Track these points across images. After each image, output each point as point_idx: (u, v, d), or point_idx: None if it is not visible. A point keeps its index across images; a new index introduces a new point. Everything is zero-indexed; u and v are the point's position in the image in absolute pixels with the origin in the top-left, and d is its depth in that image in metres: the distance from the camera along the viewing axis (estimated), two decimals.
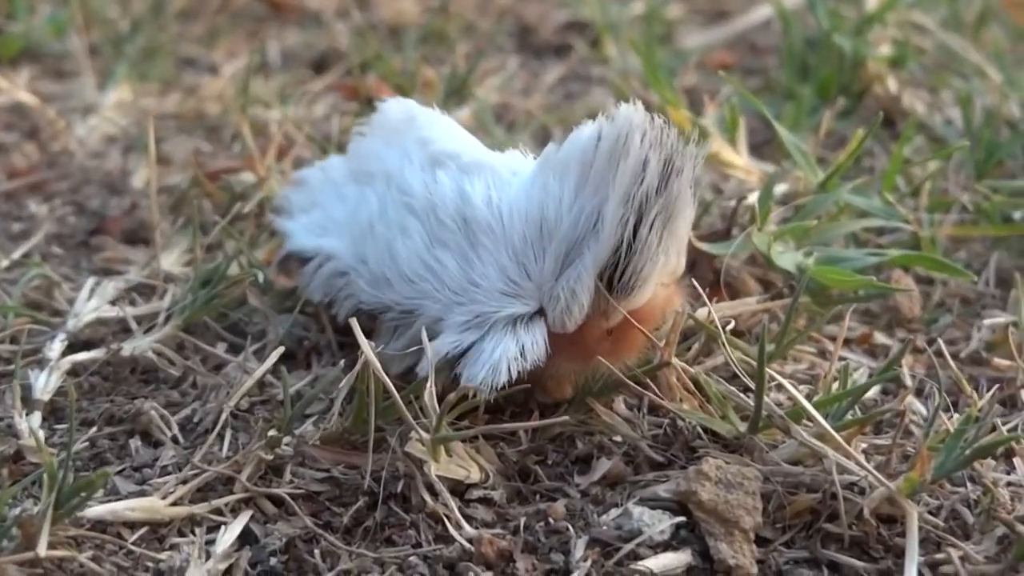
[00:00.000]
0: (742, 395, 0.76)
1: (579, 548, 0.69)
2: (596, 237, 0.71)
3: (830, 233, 0.91)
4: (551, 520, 0.71)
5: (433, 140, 0.81)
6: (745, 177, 1.01)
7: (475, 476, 0.74)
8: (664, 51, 1.31)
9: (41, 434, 0.75)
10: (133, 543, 0.70)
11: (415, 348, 0.75)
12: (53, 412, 0.82)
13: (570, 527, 0.71)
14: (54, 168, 1.14)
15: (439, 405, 0.72)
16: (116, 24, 1.37)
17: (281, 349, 0.81)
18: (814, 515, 0.71)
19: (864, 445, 0.76)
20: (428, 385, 0.72)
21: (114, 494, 0.74)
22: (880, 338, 0.89)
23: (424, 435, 0.72)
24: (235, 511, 0.73)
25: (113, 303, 0.91)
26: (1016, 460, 0.75)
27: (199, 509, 0.72)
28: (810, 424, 0.73)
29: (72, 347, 0.86)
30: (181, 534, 0.71)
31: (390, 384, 0.73)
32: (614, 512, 0.72)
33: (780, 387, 0.75)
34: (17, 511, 0.69)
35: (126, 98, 1.25)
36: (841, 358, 0.82)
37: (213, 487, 0.74)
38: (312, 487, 0.74)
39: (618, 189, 0.70)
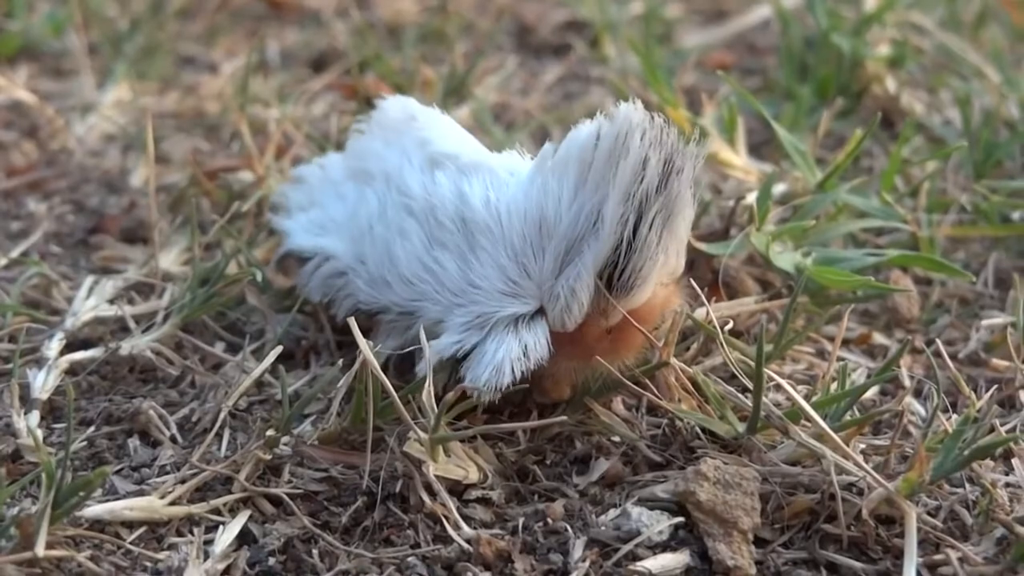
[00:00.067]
0: (740, 395, 0.76)
1: (577, 548, 0.69)
2: (596, 236, 0.71)
3: (828, 233, 0.91)
4: (549, 520, 0.71)
5: (432, 141, 0.81)
6: (743, 177, 1.01)
7: (473, 476, 0.74)
8: (663, 51, 1.31)
9: (39, 433, 0.75)
10: (131, 543, 0.70)
11: (415, 347, 0.75)
12: (51, 411, 0.81)
13: (568, 527, 0.71)
14: (53, 167, 1.14)
15: (437, 405, 0.72)
16: (115, 23, 1.37)
17: (279, 348, 0.81)
18: (812, 516, 0.72)
19: (863, 446, 0.76)
20: (426, 385, 0.72)
21: (112, 494, 0.74)
22: (879, 338, 0.89)
23: (422, 435, 0.72)
24: (233, 511, 0.73)
25: (111, 302, 0.91)
26: (1015, 461, 0.75)
27: (197, 509, 0.72)
28: (808, 424, 0.73)
29: (70, 346, 0.86)
30: (179, 534, 0.71)
31: (388, 384, 0.73)
32: (612, 512, 0.72)
33: (778, 387, 0.75)
34: (15, 510, 0.69)
35: (125, 97, 1.25)
36: (839, 358, 0.82)
37: (211, 487, 0.74)
38: (310, 487, 0.74)
39: (618, 187, 0.70)
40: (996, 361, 0.86)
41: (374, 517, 0.72)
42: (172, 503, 0.72)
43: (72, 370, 0.84)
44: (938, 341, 0.83)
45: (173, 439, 0.79)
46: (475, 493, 0.73)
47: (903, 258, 0.90)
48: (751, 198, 0.92)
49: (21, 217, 1.06)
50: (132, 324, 0.88)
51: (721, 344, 0.76)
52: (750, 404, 0.74)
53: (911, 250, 0.93)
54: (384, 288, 0.78)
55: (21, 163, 1.14)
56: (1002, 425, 0.77)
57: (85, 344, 0.87)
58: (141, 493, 0.73)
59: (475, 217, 0.75)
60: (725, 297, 0.87)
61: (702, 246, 0.88)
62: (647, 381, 0.76)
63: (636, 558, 0.69)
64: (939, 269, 0.90)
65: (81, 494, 0.68)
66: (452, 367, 0.74)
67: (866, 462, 0.72)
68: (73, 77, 1.30)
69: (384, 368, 0.74)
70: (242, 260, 0.92)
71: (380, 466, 0.74)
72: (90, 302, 0.90)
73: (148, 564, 0.69)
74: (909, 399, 0.80)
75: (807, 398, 0.74)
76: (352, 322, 0.74)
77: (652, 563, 0.68)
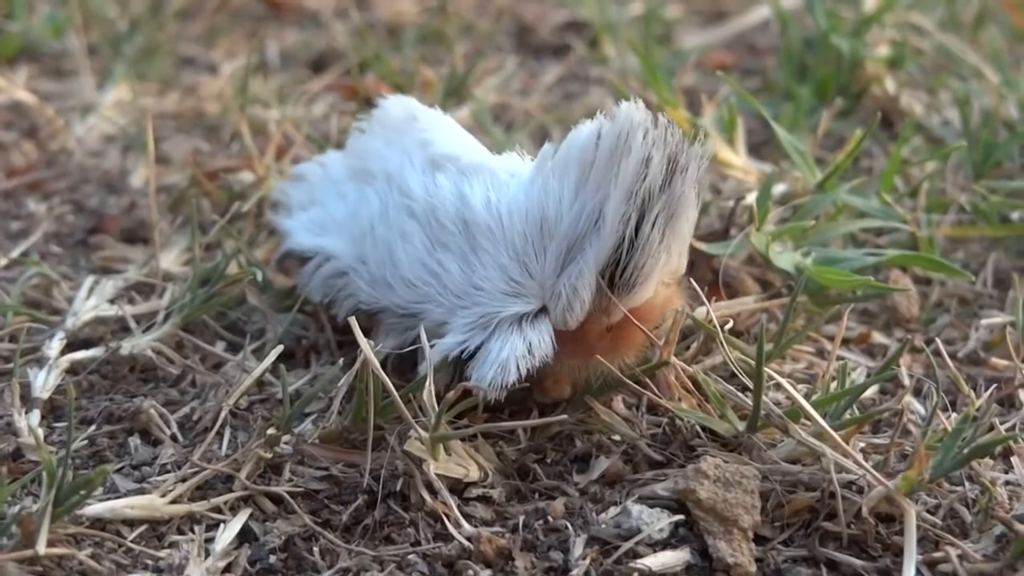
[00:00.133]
0: (740, 394, 0.76)
1: (578, 546, 0.69)
2: (598, 234, 0.71)
3: (828, 233, 0.91)
4: (550, 518, 0.72)
5: (433, 142, 0.81)
6: (743, 177, 1.01)
7: (474, 474, 0.74)
8: (662, 51, 1.31)
9: (40, 432, 0.75)
10: (132, 541, 0.70)
11: (416, 347, 0.75)
12: (52, 410, 0.82)
13: (569, 525, 0.71)
14: (53, 167, 1.14)
15: (438, 404, 0.72)
16: (115, 23, 1.37)
17: (280, 348, 0.81)
18: (812, 514, 0.72)
19: (862, 444, 0.76)
20: (427, 384, 0.73)
21: (113, 492, 0.74)
22: (878, 338, 0.90)
23: (423, 433, 0.72)
24: (234, 509, 0.73)
25: (112, 302, 0.91)
26: (1014, 459, 0.75)
27: (198, 507, 0.72)
28: (808, 423, 0.73)
29: (71, 345, 0.86)
30: (180, 532, 0.71)
31: (389, 383, 0.73)
32: (613, 510, 0.72)
33: (778, 386, 0.76)
34: (16, 509, 0.70)
35: (125, 97, 1.25)
36: (839, 357, 0.82)
37: (212, 485, 0.74)
38: (311, 485, 0.74)
39: (620, 186, 0.70)
40: (995, 360, 0.86)
41: (375, 515, 0.72)
42: (173, 501, 0.72)
43: (73, 369, 0.84)
44: (938, 340, 0.83)
45: (174, 438, 0.79)
46: (476, 491, 0.74)
47: (902, 258, 0.90)
48: (751, 198, 0.92)
49: (21, 217, 1.06)
50: (133, 324, 0.88)
51: (721, 343, 0.77)
52: (750, 403, 0.74)
53: (910, 250, 0.94)
54: (386, 289, 0.78)
55: (21, 163, 1.14)
56: (1001, 424, 0.78)
57: (86, 344, 0.87)
58: (142, 491, 0.73)
59: (476, 219, 0.75)
60: (725, 297, 0.88)
61: (702, 246, 0.88)
62: (647, 380, 0.76)
63: (636, 556, 0.69)
64: (938, 269, 0.90)
65: (82, 492, 0.68)
66: (454, 367, 0.74)
67: (866, 460, 0.72)
68: (73, 78, 1.30)
69: (383, 367, 0.74)
70: (242, 260, 0.92)
71: (381, 464, 0.74)
72: (90, 302, 0.90)
73: (149, 562, 0.69)
74: (909, 398, 0.80)
75: (807, 397, 0.75)
76: (353, 321, 0.75)
77: (652, 561, 0.68)
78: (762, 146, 1.13)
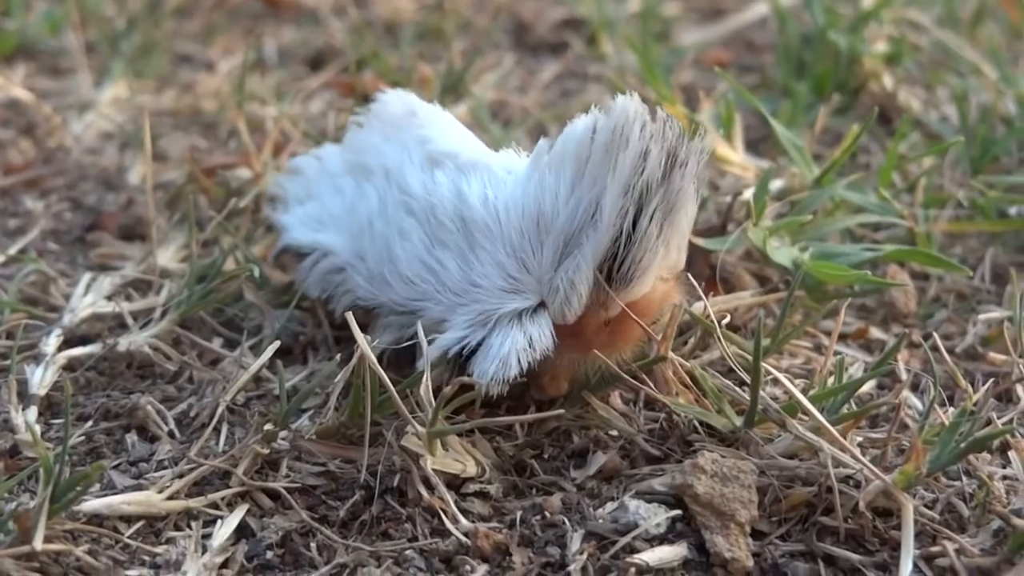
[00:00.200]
0: (738, 389, 0.76)
1: (575, 541, 0.69)
2: (595, 228, 0.71)
3: (826, 228, 0.91)
4: (547, 514, 0.72)
5: (432, 139, 0.81)
6: (741, 173, 1.01)
7: (471, 470, 0.74)
8: (660, 48, 1.31)
9: (37, 429, 0.75)
10: (129, 537, 0.70)
11: (414, 343, 0.75)
12: (49, 407, 0.82)
13: (566, 521, 0.71)
14: (50, 164, 1.14)
15: (435, 399, 0.72)
16: (112, 21, 1.37)
17: (277, 344, 0.81)
18: (810, 508, 0.72)
19: (860, 439, 0.76)
20: (424, 379, 0.72)
21: (110, 488, 0.74)
22: (876, 333, 0.90)
23: (420, 429, 0.72)
24: (231, 505, 0.73)
25: (109, 298, 0.91)
26: (1011, 454, 0.75)
27: (195, 503, 0.72)
28: (806, 418, 0.73)
29: (68, 342, 0.86)
30: (177, 528, 0.71)
31: (386, 379, 0.73)
32: (610, 506, 0.72)
33: (776, 381, 0.76)
34: (13, 505, 0.70)
35: (122, 95, 1.25)
36: (837, 352, 0.82)
37: (209, 481, 0.74)
38: (308, 481, 0.74)
39: (618, 179, 0.70)
40: (993, 355, 0.86)
41: (372, 511, 0.72)
42: (170, 497, 0.72)
43: (70, 366, 0.84)
44: (935, 335, 0.83)
45: (171, 434, 0.79)
46: (473, 487, 0.74)
47: (900, 253, 0.90)
48: (748, 194, 0.92)
49: (19, 214, 1.06)
50: (130, 320, 0.88)
51: (719, 338, 0.76)
52: (747, 398, 0.74)
53: (908, 245, 0.94)
54: (384, 286, 0.78)
55: (18, 161, 1.14)
56: (999, 418, 0.77)
57: (83, 340, 0.87)
58: (139, 487, 0.73)
59: (474, 216, 0.75)
60: (722, 292, 0.88)
61: (699, 241, 0.88)
62: (644, 375, 0.76)
63: (634, 551, 0.69)
64: (936, 264, 0.90)
65: (79, 489, 0.68)
66: (453, 364, 0.74)
67: (863, 455, 0.72)
68: (70, 75, 1.30)
69: (380, 363, 0.74)
70: (239, 256, 0.92)
71: (378, 460, 0.74)
72: (88, 299, 0.90)
73: (146, 558, 0.69)
74: (906, 392, 0.80)
75: (804, 392, 0.74)
76: (350, 317, 0.74)
77: (649, 556, 0.68)
78: (760, 142, 1.13)
